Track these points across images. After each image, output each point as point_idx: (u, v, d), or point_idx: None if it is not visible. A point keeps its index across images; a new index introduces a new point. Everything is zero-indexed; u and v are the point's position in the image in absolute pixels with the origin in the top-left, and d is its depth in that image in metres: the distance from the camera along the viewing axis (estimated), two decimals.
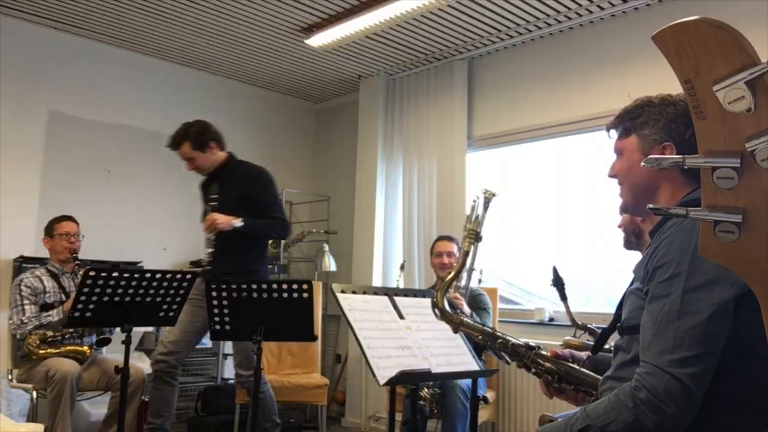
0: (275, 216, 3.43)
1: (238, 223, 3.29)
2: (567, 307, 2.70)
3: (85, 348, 3.46)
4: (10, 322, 3.47)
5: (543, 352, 1.57)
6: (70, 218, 3.70)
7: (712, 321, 1.08)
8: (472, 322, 1.76)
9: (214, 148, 3.51)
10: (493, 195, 3.60)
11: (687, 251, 1.13)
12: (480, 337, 1.70)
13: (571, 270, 3.42)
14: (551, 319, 4.14)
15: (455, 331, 1.81)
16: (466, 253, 1.87)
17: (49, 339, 3.41)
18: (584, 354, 1.59)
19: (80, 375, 3.31)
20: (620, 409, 1.12)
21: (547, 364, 1.52)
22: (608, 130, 1.48)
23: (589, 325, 2.77)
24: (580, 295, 4.08)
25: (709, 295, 1.09)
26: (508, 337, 1.66)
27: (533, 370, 1.57)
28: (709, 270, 1.09)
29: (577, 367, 1.52)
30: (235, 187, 3.45)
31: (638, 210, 1.47)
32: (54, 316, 3.41)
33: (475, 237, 1.87)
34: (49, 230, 3.65)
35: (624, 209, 1.50)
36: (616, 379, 1.25)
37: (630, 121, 1.40)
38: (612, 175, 1.47)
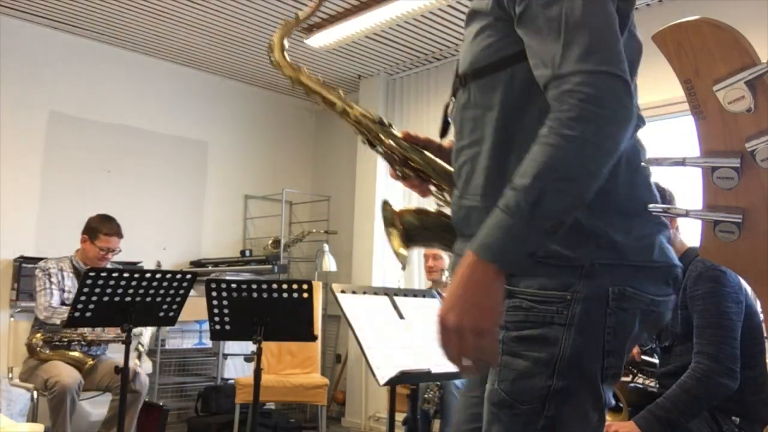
0: None
1: None
2: None
3: (89, 360, 3.38)
4: (37, 304, 3.37)
5: (393, 130, 1.37)
6: (117, 231, 3.53)
7: None
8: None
9: None
10: None
11: None
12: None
13: None
14: None
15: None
16: None
17: (55, 342, 3.35)
18: (444, 143, 1.40)
19: (81, 384, 3.25)
20: None
21: (389, 142, 1.34)
22: None
23: None
24: None
25: None
26: (358, 110, 1.40)
27: (378, 148, 1.37)
28: None
29: (428, 154, 1.34)
30: None
31: None
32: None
33: None
34: (93, 234, 3.49)
35: None
36: None
37: None
38: None
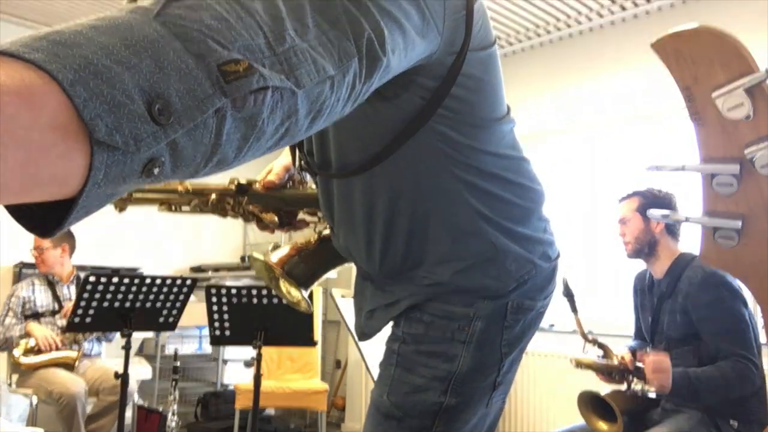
0: None
1: None
2: (577, 319, 2.61)
3: (73, 354, 3.37)
4: None
5: (255, 188, 1.16)
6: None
7: None
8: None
9: None
10: None
11: None
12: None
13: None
14: (551, 325, 4.13)
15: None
16: None
17: (36, 347, 3.35)
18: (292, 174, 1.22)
19: (87, 391, 3.24)
20: None
21: (268, 217, 1.16)
22: None
23: (599, 339, 2.62)
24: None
25: None
26: (214, 196, 1.16)
27: (248, 216, 1.19)
28: None
29: (296, 191, 1.19)
30: None
31: None
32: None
33: None
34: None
35: None
36: None
37: None
38: None
